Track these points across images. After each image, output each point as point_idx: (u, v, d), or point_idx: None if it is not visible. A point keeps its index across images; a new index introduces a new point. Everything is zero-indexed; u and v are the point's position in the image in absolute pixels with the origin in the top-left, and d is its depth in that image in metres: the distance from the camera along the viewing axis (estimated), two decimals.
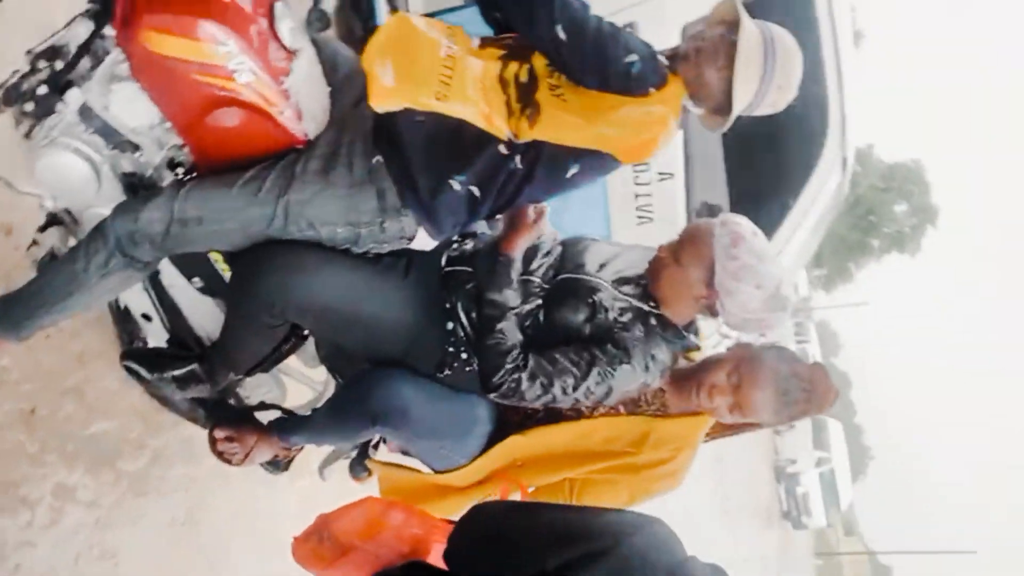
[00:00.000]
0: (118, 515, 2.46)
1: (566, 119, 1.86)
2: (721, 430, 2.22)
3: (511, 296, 1.98)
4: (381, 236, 1.90)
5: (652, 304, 2.05)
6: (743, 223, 2.01)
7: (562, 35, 1.80)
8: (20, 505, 2.15)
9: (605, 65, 1.84)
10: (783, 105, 1.99)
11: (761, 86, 1.91)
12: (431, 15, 2.52)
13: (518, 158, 1.87)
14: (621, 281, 2.08)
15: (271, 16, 1.73)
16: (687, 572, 1.30)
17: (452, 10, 3.97)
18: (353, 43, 2.08)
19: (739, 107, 1.92)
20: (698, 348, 2.16)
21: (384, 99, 1.80)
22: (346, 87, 1.96)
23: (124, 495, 2.49)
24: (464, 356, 2.07)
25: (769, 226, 3.77)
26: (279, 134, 1.80)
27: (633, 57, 1.84)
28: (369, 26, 3.82)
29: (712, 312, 2.03)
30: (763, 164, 3.86)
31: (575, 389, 1.94)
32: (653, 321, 2.05)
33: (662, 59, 1.92)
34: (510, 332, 1.96)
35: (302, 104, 1.80)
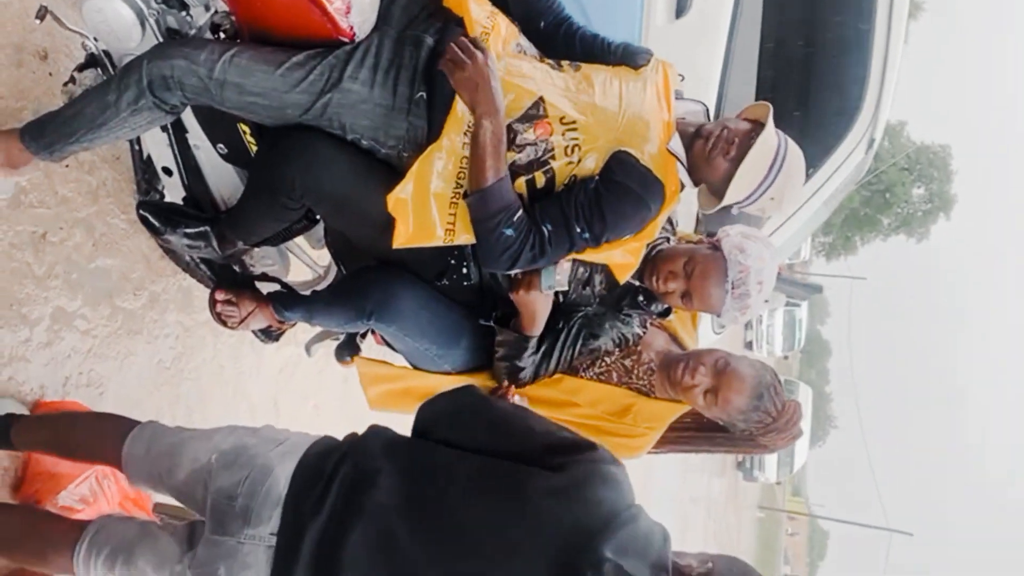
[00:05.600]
0: (109, 348, 2.56)
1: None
2: (686, 439, 2.35)
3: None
4: (397, 161, 1.95)
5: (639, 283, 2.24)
6: (750, 256, 2.12)
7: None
8: (21, 322, 2.24)
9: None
10: (770, 214, 2.14)
11: (756, 190, 2.01)
12: None
13: None
14: None
15: None
16: (638, 511, 1.43)
17: None
18: None
19: (730, 198, 2.02)
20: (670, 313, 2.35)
21: (401, 244, 1.95)
22: None
23: (118, 331, 2.59)
24: (464, 271, 2.16)
25: None
26: (325, 23, 1.81)
27: (628, 235, 2.03)
28: None
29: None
30: (791, 127, 3.86)
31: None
32: (640, 297, 2.26)
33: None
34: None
35: None
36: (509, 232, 1.89)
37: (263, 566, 1.52)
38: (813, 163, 3.74)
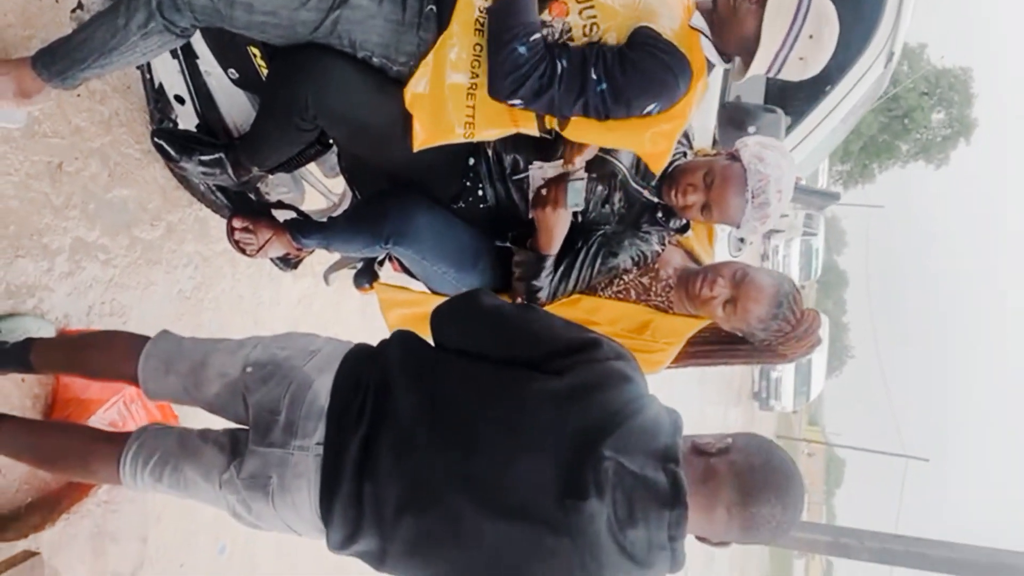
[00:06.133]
0: (130, 278, 2.58)
1: (593, 127, 1.95)
2: (706, 353, 2.35)
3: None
4: (408, 78, 1.93)
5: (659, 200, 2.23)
6: (769, 165, 2.09)
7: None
8: (42, 252, 2.25)
9: (628, 113, 1.93)
10: (814, 64, 1.98)
11: (791, 29, 1.90)
12: None
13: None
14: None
15: None
16: (643, 404, 1.47)
17: None
18: None
19: (767, 45, 1.91)
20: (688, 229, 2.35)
21: (421, 145, 1.93)
22: None
23: (137, 261, 2.61)
24: (480, 193, 2.16)
25: (802, 109, 3.74)
26: None
27: (651, 105, 1.91)
28: None
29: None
30: None
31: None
32: (659, 214, 2.26)
33: (682, 81, 1.93)
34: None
35: None
36: (521, 50, 1.83)
37: (313, 474, 1.58)
38: (831, 79, 3.68)
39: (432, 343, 1.72)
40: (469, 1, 1.86)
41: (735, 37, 1.97)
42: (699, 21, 1.96)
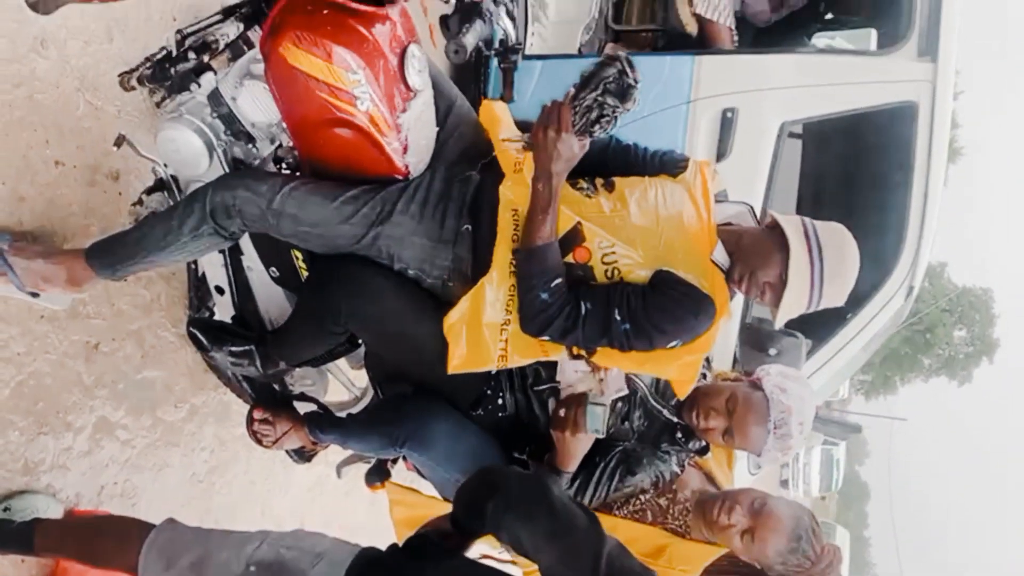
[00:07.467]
0: (146, 459, 2.60)
1: (621, 357, 2.01)
2: None
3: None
4: (441, 290, 2.03)
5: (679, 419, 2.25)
6: (791, 396, 2.13)
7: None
8: (65, 429, 2.29)
9: (651, 348, 1.97)
10: (845, 295, 2.04)
11: (809, 303, 1.97)
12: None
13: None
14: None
15: (403, 56, 1.86)
16: None
17: (566, 57, 4.12)
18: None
19: (784, 320, 2.00)
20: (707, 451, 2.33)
21: (455, 370, 2.02)
22: (454, 133, 2.10)
23: (156, 442, 2.63)
24: (500, 402, 2.19)
25: (822, 335, 3.78)
26: (383, 161, 1.91)
27: (674, 342, 1.97)
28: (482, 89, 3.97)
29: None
30: None
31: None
32: (679, 434, 2.26)
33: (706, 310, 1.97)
34: None
35: (410, 139, 1.92)
36: (544, 296, 1.90)
37: None
38: (851, 308, 3.75)
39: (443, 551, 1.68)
40: (505, 246, 1.96)
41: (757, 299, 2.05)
42: (721, 255, 2.01)
